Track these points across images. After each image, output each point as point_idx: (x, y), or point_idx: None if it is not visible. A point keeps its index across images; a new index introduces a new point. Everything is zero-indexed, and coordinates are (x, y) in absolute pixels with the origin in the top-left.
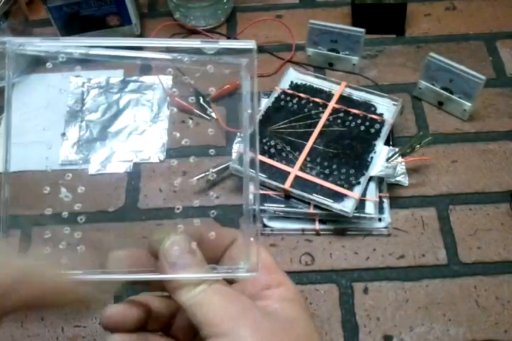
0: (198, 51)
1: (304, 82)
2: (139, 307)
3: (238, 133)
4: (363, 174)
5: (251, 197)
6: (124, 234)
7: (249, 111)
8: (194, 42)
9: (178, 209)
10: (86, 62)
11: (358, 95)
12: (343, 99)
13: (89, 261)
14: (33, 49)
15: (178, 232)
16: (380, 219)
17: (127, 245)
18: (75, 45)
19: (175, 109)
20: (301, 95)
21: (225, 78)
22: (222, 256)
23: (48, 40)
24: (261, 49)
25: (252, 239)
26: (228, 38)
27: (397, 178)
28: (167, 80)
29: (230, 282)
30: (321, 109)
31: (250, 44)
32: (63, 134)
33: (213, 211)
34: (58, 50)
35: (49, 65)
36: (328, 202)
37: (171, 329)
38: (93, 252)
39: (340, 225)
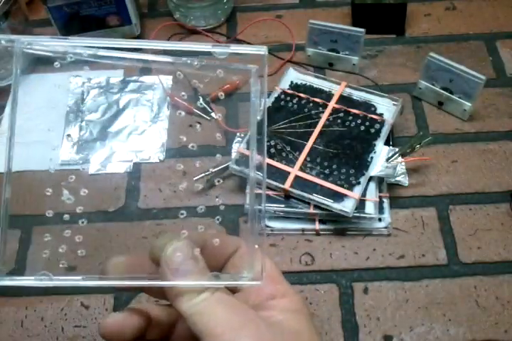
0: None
1: (304, 82)
2: (139, 316)
3: (238, 133)
4: (363, 174)
5: (256, 197)
6: (124, 234)
7: (259, 117)
8: (205, 46)
9: (183, 214)
10: (91, 62)
11: (358, 95)
12: (343, 99)
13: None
14: (41, 48)
15: (181, 238)
16: (380, 219)
17: (127, 245)
18: (84, 45)
19: (183, 113)
20: (301, 95)
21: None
22: (226, 263)
23: (56, 39)
24: None
25: (256, 246)
26: (228, 37)
27: (397, 178)
28: (167, 80)
29: (233, 291)
30: (321, 109)
31: (262, 50)
32: (68, 135)
33: (218, 217)
34: (66, 50)
35: (57, 64)
36: (328, 202)
37: (171, 338)
38: (93, 256)
39: (340, 225)
